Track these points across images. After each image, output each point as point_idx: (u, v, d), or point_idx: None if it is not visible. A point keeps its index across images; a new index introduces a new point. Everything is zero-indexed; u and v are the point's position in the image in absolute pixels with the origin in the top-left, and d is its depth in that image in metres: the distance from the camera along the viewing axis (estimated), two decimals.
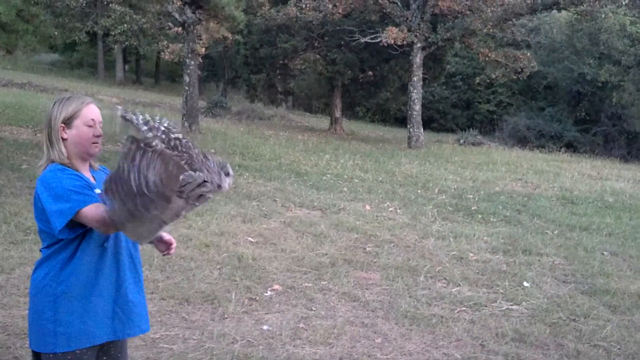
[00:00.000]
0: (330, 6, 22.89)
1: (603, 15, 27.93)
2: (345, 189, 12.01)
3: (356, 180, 13.17)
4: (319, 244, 7.86)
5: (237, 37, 25.67)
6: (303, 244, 7.83)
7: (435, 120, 37.60)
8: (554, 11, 25.76)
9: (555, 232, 9.56)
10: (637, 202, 12.79)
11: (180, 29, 19.79)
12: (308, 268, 6.83)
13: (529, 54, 25.32)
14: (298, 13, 23.10)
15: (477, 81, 28.94)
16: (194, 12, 18.21)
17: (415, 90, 23.28)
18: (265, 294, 5.97)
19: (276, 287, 6.15)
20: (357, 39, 23.26)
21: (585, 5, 23.23)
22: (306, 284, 6.33)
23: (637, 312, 6.18)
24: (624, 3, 26.14)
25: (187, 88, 19.03)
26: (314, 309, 5.69)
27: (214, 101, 29.84)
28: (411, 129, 23.22)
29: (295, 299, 5.89)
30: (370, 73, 26.68)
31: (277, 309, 5.63)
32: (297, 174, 13.16)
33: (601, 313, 6.08)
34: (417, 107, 23.26)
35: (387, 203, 10.93)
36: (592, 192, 13.74)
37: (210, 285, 6.03)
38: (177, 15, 18.42)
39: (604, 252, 8.48)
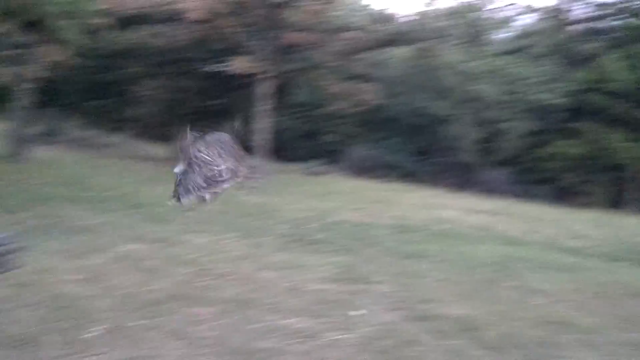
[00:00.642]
0: (177, 33, 22.53)
1: (438, 53, 29.77)
2: (183, 220, 11.71)
3: (195, 212, 12.89)
4: (151, 280, 7.55)
5: (76, 61, 24.60)
6: (134, 279, 7.49)
7: (282, 150, 37.89)
8: (395, 47, 26.98)
9: (388, 260, 9.86)
10: (464, 229, 13.53)
11: (12, 52, 18.63)
12: (138, 305, 6.53)
13: (371, 87, 26.28)
14: (141, 39, 22.50)
15: (323, 112, 29.57)
16: (27, 35, 17.22)
17: (261, 120, 23.40)
18: (87, 335, 5.62)
19: (101, 327, 5.81)
20: (203, 68, 23.04)
21: (422, 43, 24.60)
22: (134, 323, 6.03)
23: (461, 336, 6.43)
24: (457, 42, 28.02)
25: (18, 114, 17.91)
26: (140, 349, 5.43)
27: (48, 128, 28.26)
28: (256, 159, 23.25)
29: (121, 339, 5.59)
30: (217, 102, 26.52)
31: (100, 351, 5.31)
32: (133, 205, 12.69)
33: (427, 339, 6.27)
34: (263, 136, 23.38)
35: (227, 234, 10.79)
36: (425, 220, 14.37)
37: (25, 328, 5.58)
38: (8, 38, 17.36)
39: (432, 279, 8.84)
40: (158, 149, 31.30)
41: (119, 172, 18.43)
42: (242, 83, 23.77)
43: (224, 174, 8.20)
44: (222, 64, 22.37)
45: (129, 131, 35.55)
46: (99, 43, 23.73)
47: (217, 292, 7.27)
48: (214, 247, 9.70)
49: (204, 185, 7.95)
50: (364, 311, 7.02)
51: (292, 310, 6.83)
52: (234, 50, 23.23)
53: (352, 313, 6.93)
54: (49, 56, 18.30)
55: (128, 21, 22.34)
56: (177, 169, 7.78)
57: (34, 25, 17.08)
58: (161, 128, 33.31)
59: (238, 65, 21.71)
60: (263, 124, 23.41)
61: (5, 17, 16.85)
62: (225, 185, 8.30)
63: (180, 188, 7.78)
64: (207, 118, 27.98)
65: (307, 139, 39.49)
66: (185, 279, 7.77)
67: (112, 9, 20.95)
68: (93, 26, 21.52)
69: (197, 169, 7.86)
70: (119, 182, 16.00)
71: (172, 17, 21.59)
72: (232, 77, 22.59)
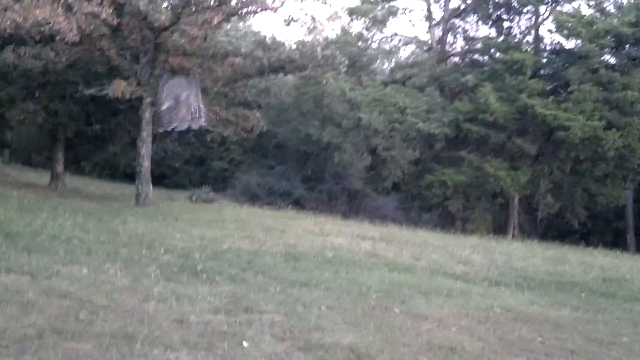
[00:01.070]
0: (53, 55, 21.52)
1: (325, 81, 30.17)
2: (61, 250, 11.01)
3: (75, 241, 12.20)
4: (25, 314, 6.95)
5: None
6: (6, 314, 6.88)
7: (167, 177, 37.11)
8: (282, 74, 27.08)
9: (278, 288, 9.65)
10: (353, 256, 13.57)
11: None
12: (9, 342, 5.97)
13: (258, 114, 26.21)
14: (16, 60, 21.31)
15: (210, 138, 29.17)
16: None
17: (145, 146, 22.72)
18: None
19: None
20: (82, 91, 22.13)
21: (308, 71, 24.81)
22: None
23: None
24: (342, 71, 28.51)
25: None
26: None
27: None
28: (139, 186, 22.53)
29: None
30: (97, 126, 25.56)
31: None
32: (7, 235, 11.83)
33: None
34: (146, 163, 22.70)
35: (108, 265, 10.20)
36: (315, 248, 14.31)
37: None
38: None
39: (321, 307, 8.70)
40: (38, 175, 29.79)
41: None
42: (124, 107, 23.03)
43: None
44: (102, 88, 21.56)
45: (4, 156, 33.70)
46: None
47: (97, 326, 6.79)
48: (94, 278, 9.13)
49: None
50: (250, 342, 6.77)
51: (178, 343, 6.47)
52: (116, 73, 22.48)
53: (243, 344, 6.67)
54: None
55: (3, 42, 21.17)
56: None
57: None
58: (39, 153, 31.82)
59: (117, 89, 20.99)
60: (146, 150, 22.70)
61: None
62: None
63: None
64: (87, 143, 26.99)
65: (195, 165, 38.91)
66: (63, 312, 7.22)
67: None
68: None
69: None
70: None
71: (49, 38, 20.60)
72: (113, 101, 21.82)
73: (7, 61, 21.40)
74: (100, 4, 20.44)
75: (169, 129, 23.71)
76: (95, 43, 21.70)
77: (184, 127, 23.19)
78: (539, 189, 30.18)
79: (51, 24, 19.75)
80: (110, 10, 20.52)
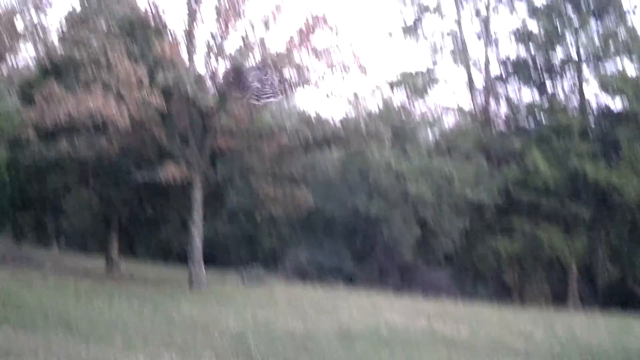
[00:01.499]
0: (106, 142, 22.13)
1: (370, 154, 30.28)
2: (119, 338, 11.02)
3: (132, 328, 12.19)
4: None
5: (3, 174, 23.85)
6: None
7: (217, 257, 37.16)
8: (327, 149, 27.29)
9: None
10: (409, 334, 13.23)
11: None
12: None
13: (305, 190, 26.31)
14: (70, 149, 21.96)
15: (259, 217, 29.31)
16: None
17: (196, 228, 22.95)
18: None
19: None
20: (134, 177, 22.59)
21: (353, 145, 24.99)
22: None
23: None
24: (387, 142, 28.58)
25: None
26: None
27: None
28: (192, 268, 22.64)
29: None
30: (150, 210, 25.95)
31: None
32: (66, 324, 11.90)
33: None
34: (198, 244, 22.87)
35: (164, 352, 10.15)
36: (369, 326, 14.00)
37: None
38: None
39: None
40: (93, 262, 30.22)
41: (52, 287, 17.53)
42: (174, 190, 23.38)
43: None
44: (153, 172, 21.98)
45: (60, 243, 34.39)
46: (26, 155, 23.09)
47: None
48: None
49: None
50: None
51: None
52: (163, 157, 22.90)
53: None
54: None
55: (54, 132, 21.89)
56: None
57: None
58: (94, 239, 32.38)
59: (168, 172, 21.41)
60: (197, 231, 22.92)
61: None
62: None
63: None
64: (140, 226, 27.39)
65: (245, 245, 38.98)
66: None
67: (37, 120, 20.57)
68: (19, 139, 21.00)
69: None
70: (53, 298, 15.15)
71: (99, 126, 21.26)
72: (164, 184, 22.19)
73: (62, 150, 22.07)
74: (150, 90, 21.16)
75: None
76: (146, 129, 22.27)
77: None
78: (597, 256, 29.23)
79: (103, 113, 20.50)
80: (159, 97, 21.20)
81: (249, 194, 35.30)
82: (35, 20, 20.78)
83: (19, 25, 19.72)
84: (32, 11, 20.35)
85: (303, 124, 23.85)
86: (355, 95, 31.88)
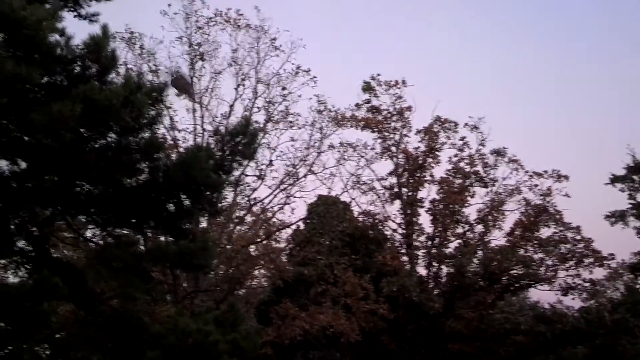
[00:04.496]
0: (338, 355, 22.47)
1: (620, 348, 27.14)
2: None
3: None
4: None
5: None
6: None
7: None
8: (569, 346, 25.18)
9: None
10: None
11: None
12: None
13: None
14: None
15: None
16: None
17: None
18: None
19: None
20: None
21: (598, 339, 22.78)
22: None
23: None
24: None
25: None
26: None
27: None
28: None
29: None
30: None
31: None
32: None
33: None
34: None
35: None
36: None
37: None
38: None
39: None
40: None
41: None
42: None
43: None
44: None
45: None
46: None
47: None
48: None
49: None
50: None
51: None
52: None
53: None
54: None
55: (293, 347, 22.62)
56: None
57: None
58: None
59: None
60: None
61: None
62: None
63: None
64: None
65: None
66: None
67: (274, 338, 21.47)
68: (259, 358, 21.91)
69: None
70: None
71: (334, 340, 21.71)
72: None
73: None
74: (376, 301, 21.49)
75: None
76: (376, 339, 22.32)
77: None
78: None
79: (335, 327, 21.03)
80: (386, 306, 21.39)
81: None
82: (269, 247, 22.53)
83: (254, 251, 21.49)
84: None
85: (539, 321, 22.58)
86: (592, 282, 29.71)
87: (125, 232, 10.45)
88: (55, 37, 8.16)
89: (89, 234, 11.31)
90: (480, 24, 45.39)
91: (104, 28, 8.47)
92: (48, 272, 9.01)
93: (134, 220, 10.21)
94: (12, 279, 14.64)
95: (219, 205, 10.71)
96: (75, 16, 10.14)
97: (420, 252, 23.91)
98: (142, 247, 12.13)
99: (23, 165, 9.47)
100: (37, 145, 8.75)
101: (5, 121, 8.89)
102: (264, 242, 21.12)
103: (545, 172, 23.88)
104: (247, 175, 20.25)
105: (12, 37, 7.69)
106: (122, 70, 12.52)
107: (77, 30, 8.81)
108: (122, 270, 9.90)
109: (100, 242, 10.81)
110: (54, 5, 8.46)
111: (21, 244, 10.25)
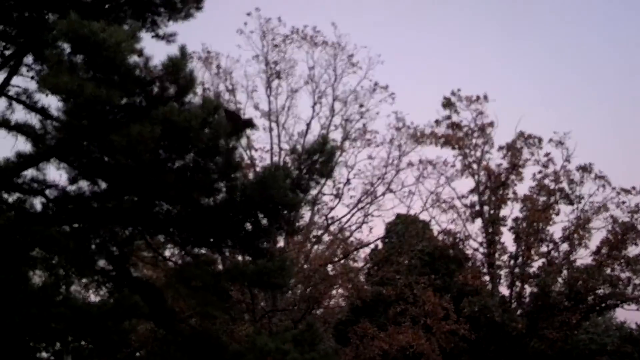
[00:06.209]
0: None
1: None
2: None
3: None
4: None
5: None
6: None
7: None
8: None
9: None
10: None
11: None
12: None
13: None
14: None
15: None
16: None
17: None
18: None
19: None
20: None
21: None
22: None
23: None
24: None
25: None
26: None
27: None
28: None
29: None
30: None
31: None
32: None
33: None
34: None
35: None
36: None
37: None
38: None
39: None
40: None
41: None
42: None
43: None
44: None
45: None
46: None
47: None
48: None
49: None
50: None
51: None
52: None
53: None
54: None
55: None
56: None
57: None
58: None
59: None
60: None
61: None
62: None
63: None
64: None
65: None
66: None
67: (353, 359, 21.21)
68: None
69: None
70: None
71: None
72: None
73: None
74: (457, 321, 20.99)
75: None
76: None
77: None
78: None
79: (414, 347, 20.64)
80: (467, 326, 20.88)
81: None
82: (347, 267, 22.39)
83: (331, 270, 21.40)
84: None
85: (626, 342, 21.64)
86: None
87: (203, 251, 10.48)
88: (134, 58, 8.23)
89: (167, 253, 11.41)
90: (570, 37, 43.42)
91: (182, 49, 8.48)
92: (128, 291, 9.10)
93: (212, 240, 10.24)
94: (93, 298, 15.05)
95: (297, 224, 10.59)
96: (152, 37, 10.30)
97: (502, 272, 23.34)
98: (220, 266, 12.21)
99: (103, 185, 9.64)
100: (117, 166, 8.86)
101: (86, 142, 9.04)
102: (342, 261, 20.97)
103: (634, 188, 23.05)
104: (324, 194, 20.28)
105: (92, 60, 7.80)
106: (199, 90, 12.65)
107: (155, 51, 8.90)
108: (201, 289, 9.93)
109: (179, 261, 10.91)
110: (133, 26, 8.58)
111: (102, 263, 10.43)
